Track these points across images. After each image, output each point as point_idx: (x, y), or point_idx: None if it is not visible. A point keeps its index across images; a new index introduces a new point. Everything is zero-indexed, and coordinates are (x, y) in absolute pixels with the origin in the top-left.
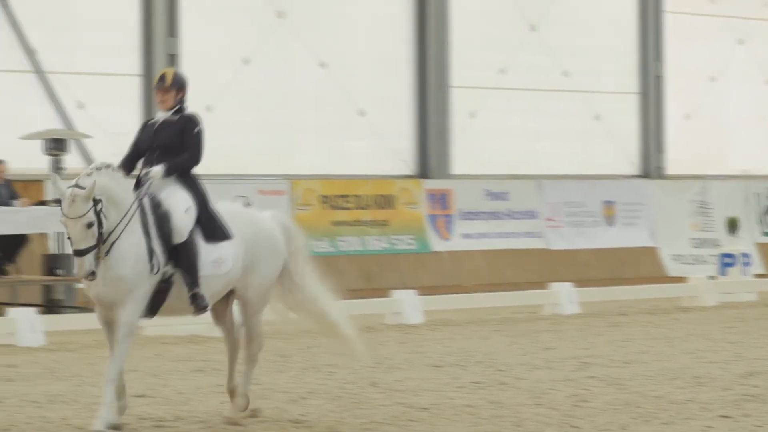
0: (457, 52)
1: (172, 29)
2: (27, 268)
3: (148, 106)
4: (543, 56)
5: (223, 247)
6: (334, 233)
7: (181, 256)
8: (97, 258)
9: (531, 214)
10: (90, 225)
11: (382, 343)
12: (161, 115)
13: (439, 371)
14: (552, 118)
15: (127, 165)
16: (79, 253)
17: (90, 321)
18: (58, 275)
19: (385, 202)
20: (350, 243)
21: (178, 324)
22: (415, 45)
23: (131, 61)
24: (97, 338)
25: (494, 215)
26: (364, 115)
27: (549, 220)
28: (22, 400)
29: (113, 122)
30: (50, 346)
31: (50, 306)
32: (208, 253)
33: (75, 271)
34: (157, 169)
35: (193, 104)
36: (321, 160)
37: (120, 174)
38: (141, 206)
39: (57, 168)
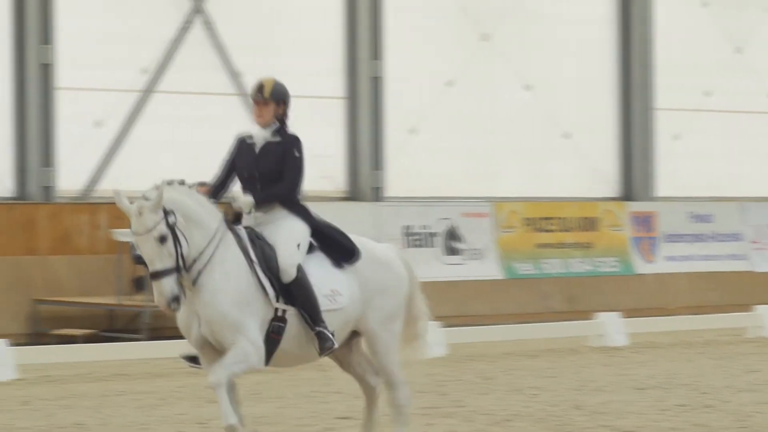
0: (661, 75)
1: (375, 52)
2: None
3: (352, 129)
4: (748, 78)
5: (337, 278)
6: (537, 255)
7: (295, 296)
8: (181, 286)
9: (735, 237)
10: (163, 239)
11: (585, 366)
12: (259, 133)
13: (643, 394)
14: (756, 140)
15: (219, 187)
16: (156, 275)
17: None
18: None
19: (589, 224)
20: (554, 265)
21: None
22: (620, 68)
23: (335, 83)
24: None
25: (698, 237)
26: (568, 137)
27: (754, 242)
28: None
29: (317, 145)
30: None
31: None
32: (321, 286)
33: (155, 298)
34: (246, 200)
35: (397, 127)
36: (524, 183)
37: (196, 192)
38: (235, 232)
39: None
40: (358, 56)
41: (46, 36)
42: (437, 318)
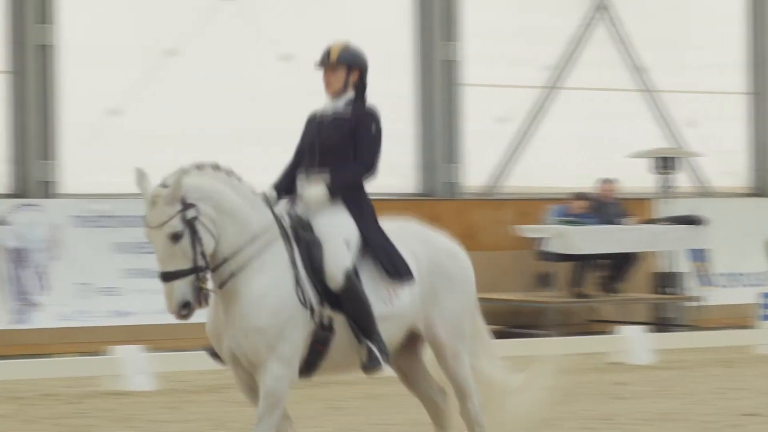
0: None
1: None
2: (637, 287)
3: (761, 125)
4: None
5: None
6: None
7: (344, 304)
8: (200, 289)
9: None
10: (176, 237)
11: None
12: (329, 105)
13: None
14: None
15: (286, 179)
16: (164, 276)
17: (702, 340)
18: (668, 294)
19: None
20: None
21: None
22: None
23: (740, 79)
24: (709, 356)
25: None
26: None
27: None
28: (633, 419)
29: (722, 141)
30: (660, 364)
31: (660, 324)
32: (374, 288)
33: (165, 303)
34: (317, 191)
35: None
36: None
37: (237, 180)
38: (283, 229)
39: (666, 187)
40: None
41: (450, 33)
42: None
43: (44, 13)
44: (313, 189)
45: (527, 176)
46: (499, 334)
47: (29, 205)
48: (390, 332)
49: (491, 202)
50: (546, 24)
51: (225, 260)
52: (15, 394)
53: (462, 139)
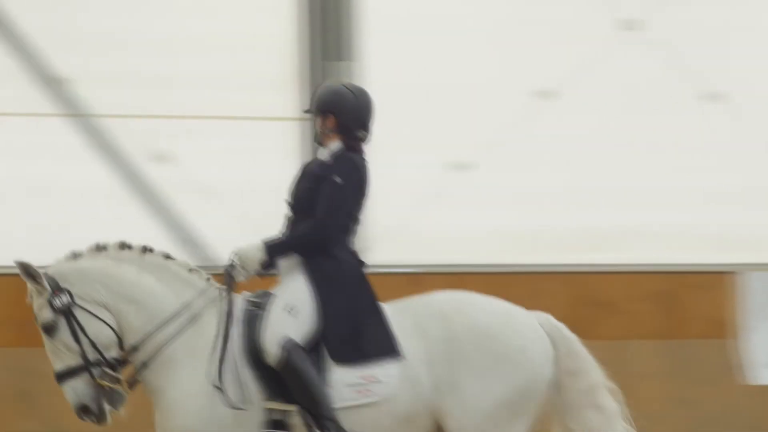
0: None
1: None
2: None
3: None
4: None
5: (373, 361)
6: None
7: (288, 384)
8: (100, 387)
9: None
10: (49, 329)
11: None
12: (319, 156)
13: None
14: None
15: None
16: (56, 377)
17: None
18: None
19: None
20: None
21: None
22: None
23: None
24: None
25: None
26: None
27: None
28: None
29: None
30: None
31: None
32: (344, 372)
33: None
34: (248, 250)
35: None
36: None
37: (160, 257)
38: (229, 308)
39: None
40: None
41: None
42: None
43: (340, 50)
44: (246, 247)
45: None
46: None
47: None
48: (368, 428)
49: None
50: None
51: (134, 349)
52: None
53: None
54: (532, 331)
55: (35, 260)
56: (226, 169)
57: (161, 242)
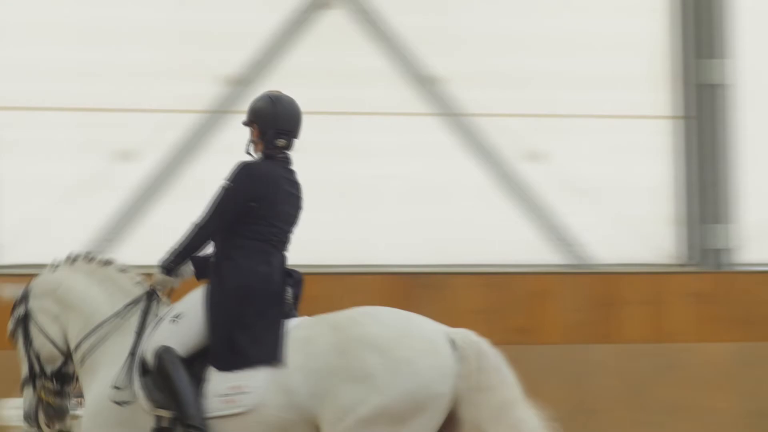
0: None
1: None
2: None
3: None
4: None
5: (246, 370)
6: None
7: (159, 386)
8: (39, 400)
9: None
10: (12, 339)
11: None
12: None
13: None
14: None
15: None
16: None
17: None
18: None
19: None
20: None
21: None
22: None
23: None
24: None
25: None
26: None
27: None
28: None
29: None
30: None
31: None
32: (216, 382)
33: None
34: (155, 277)
35: None
36: None
37: (116, 269)
38: (143, 318)
39: None
40: None
41: None
42: None
43: (713, 47)
44: (154, 273)
45: None
46: None
47: None
48: None
49: None
50: None
51: (71, 355)
52: None
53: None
54: (426, 345)
55: (399, 260)
56: (598, 168)
57: (533, 242)
